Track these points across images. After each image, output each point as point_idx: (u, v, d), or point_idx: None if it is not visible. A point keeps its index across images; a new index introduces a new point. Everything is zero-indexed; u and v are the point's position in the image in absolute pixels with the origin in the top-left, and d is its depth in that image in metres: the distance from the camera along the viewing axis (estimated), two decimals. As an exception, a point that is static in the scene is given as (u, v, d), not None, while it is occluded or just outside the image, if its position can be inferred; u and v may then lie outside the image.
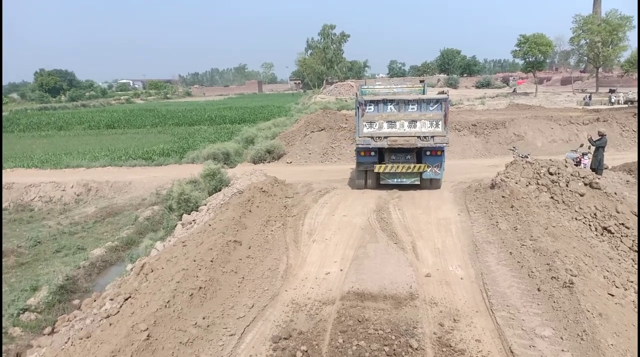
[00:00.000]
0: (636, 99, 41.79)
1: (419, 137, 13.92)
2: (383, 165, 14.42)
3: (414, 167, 14.31)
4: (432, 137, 13.89)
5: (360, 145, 14.38)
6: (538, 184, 12.77)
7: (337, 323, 7.40)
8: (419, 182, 14.68)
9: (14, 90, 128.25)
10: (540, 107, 37.46)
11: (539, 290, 8.01)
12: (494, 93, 67.51)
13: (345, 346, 6.79)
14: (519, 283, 8.46)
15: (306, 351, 6.73)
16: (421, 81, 18.70)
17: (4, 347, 9.40)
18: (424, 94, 16.02)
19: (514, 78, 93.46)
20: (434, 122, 13.75)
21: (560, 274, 8.08)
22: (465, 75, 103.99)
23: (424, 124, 13.80)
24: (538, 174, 13.03)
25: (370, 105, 14.00)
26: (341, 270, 9.59)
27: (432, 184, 15.01)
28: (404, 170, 14.33)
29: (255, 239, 11.24)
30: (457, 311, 7.73)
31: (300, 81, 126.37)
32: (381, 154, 14.69)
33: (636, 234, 10.10)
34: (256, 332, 7.40)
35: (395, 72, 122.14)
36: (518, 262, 9.23)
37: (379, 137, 14.04)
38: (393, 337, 6.93)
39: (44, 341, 9.43)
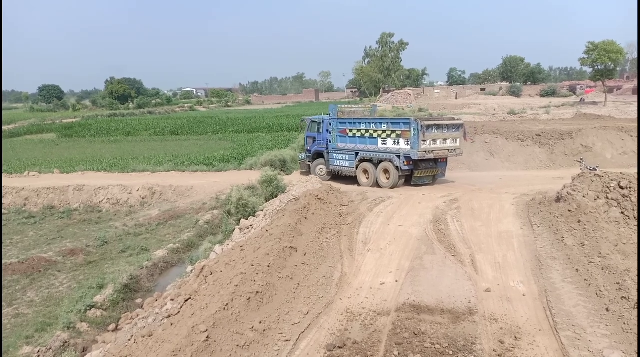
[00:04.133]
0: None
1: (448, 150, 18.92)
2: (420, 171, 18.76)
3: (434, 171, 19.35)
4: (455, 149, 19.10)
5: (419, 157, 17.83)
6: (607, 198, 12.11)
7: (393, 335, 7.31)
8: (432, 181, 19.61)
9: (86, 98, 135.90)
10: (610, 118, 35.52)
11: (607, 310, 7.60)
12: (560, 102, 64.46)
13: (400, 358, 6.69)
14: (585, 302, 8.05)
15: (361, 361, 6.69)
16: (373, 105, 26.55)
17: (72, 341, 9.93)
18: (374, 112, 23.14)
19: (581, 87, 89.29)
20: (456, 140, 19.14)
21: (631, 294, 7.64)
22: (529, 83, 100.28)
23: (451, 141, 18.97)
24: (607, 187, 12.36)
25: (426, 128, 17.83)
26: (396, 281, 9.48)
27: (436, 180, 19.92)
28: (428, 174, 19.17)
29: (311, 246, 11.32)
30: (518, 329, 7.45)
31: (357, 89, 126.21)
32: (416, 164, 18.45)
33: None
34: (311, 339, 7.44)
35: (455, 80, 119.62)
36: (585, 280, 8.79)
37: (429, 150, 18.13)
38: (450, 353, 6.76)
39: (109, 337, 9.89)
